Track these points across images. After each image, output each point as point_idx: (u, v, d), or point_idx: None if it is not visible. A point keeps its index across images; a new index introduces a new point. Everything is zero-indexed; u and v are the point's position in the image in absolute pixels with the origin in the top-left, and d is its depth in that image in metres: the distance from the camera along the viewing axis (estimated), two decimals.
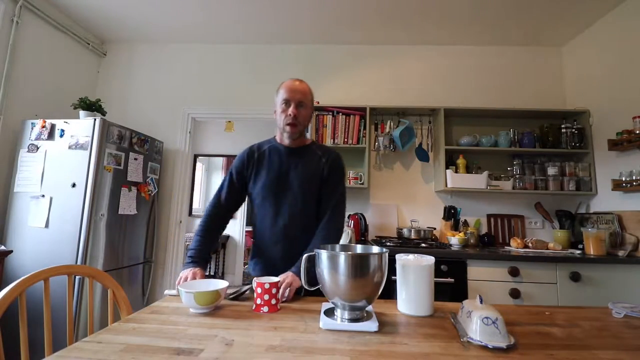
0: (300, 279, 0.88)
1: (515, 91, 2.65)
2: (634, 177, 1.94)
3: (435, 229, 2.41)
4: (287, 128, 1.15)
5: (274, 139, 1.27)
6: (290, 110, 1.13)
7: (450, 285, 1.82)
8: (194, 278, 1.01)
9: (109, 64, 2.87)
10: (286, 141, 1.20)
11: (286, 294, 0.95)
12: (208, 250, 1.15)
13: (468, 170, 2.42)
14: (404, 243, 2.10)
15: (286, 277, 0.99)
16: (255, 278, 0.91)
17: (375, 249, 0.88)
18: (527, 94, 2.63)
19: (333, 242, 1.11)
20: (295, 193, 1.15)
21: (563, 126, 2.38)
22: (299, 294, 1.09)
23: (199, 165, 4.85)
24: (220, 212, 1.22)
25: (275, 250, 1.16)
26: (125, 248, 2.24)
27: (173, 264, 2.64)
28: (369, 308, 0.85)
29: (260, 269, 1.18)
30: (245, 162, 1.22)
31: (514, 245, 2.15)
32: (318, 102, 2.49)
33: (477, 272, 1.85)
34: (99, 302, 2.00)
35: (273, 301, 0.87)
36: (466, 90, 2.67)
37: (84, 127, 2.04)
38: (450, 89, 2.68)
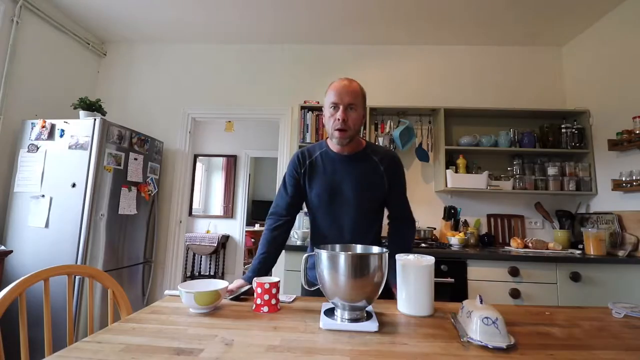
0: (301, 277, 0.88)
1: (515, 91, 2.65)
2: (634, 177, 1.94)
3: (435, 229, 2.41)
4: (336, 134, 1.05)
5: (325, 142, 1.17)
6: (339, 114, 1.03)
7: (450, 285, 1.82)
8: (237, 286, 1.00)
9: (109, 64, 2.87)
10: (337, 147, 1.11)
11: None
12: (269, 267, 1.11)
13: (468, 170, 2.42)
14: None
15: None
16: (255, 278, 0.91)
17: (375, 249, 0.89)
18: (527, 94, 2.64)
19: (410, 233, 1.18)
20: (351, 203, 1.10)
21: (563, 126, 2.38)
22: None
23: (199, 165, 4.85)
24: (281, 223, 1.16)
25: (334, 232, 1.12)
26: (125, 248, 2.24)
27: (173, 264, 2.64)
28: (369, 308, 0.85)
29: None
30: (297, 168, 1.15)
31: (514, 245, 2.15)
32: (318, 102, 2.49)
33: (477, 272, 1.85)
34: (99, 302, 2.00)
35: (273, 301, 0.87)
36: (466, 90, 2.67)
37: (84, 127, 2.04)
38: (450, 89, 2.68)
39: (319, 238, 1.15)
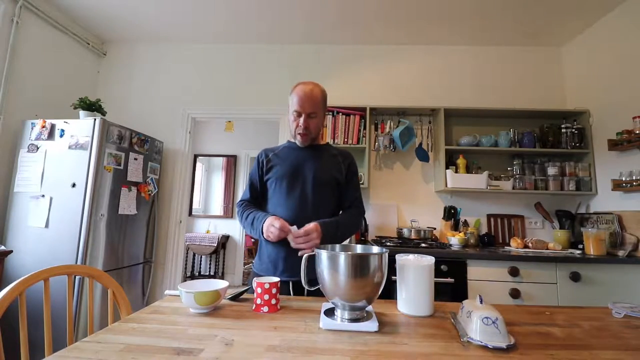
0: (301, 278, 0.88)
1: (515, 91, 2.65)
2: (634, 177, 1.94)
3: (435, 229, 2.41)
4: (299, 137, 1.21)
5: (288, 141, 1.33)
6: (302, 122, 1.17)
7: (450, 285, 1.82)
8: (274, 224, 1.06)
9: (109, 64, 2.87)
10: (299, 145, 1.26)
11: (305, 246, 1.03)
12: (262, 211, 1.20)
13: (468, 170, 2.42)
14: (404, 243, 2.10)
15: (310, 226, 1.06)
16: (255, 278, 0.91)
17: (375, 249, 0.89)
18: (527, 94, 2.64)
19: (355, 220, 1.24)
20: (309, 182, 1.19)
21: (563, 126, 2.38)
22: (301, 293, 1.09)
23: (199, 165, 4.85)
24: (249, 200, 1.29)
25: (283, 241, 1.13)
26: (125, 248, 2.24)
27: (173, 264, 2.64)
28: (369, 308, 0.85)
29: (265, 262, 1.18)
30: (259, 163, 1.27)
31: (514, 245, 2.15)
32: None
33: (477, 272, 1.85)
34: (99, 302, 2.00)
35: (273, 301, 0.87)
36: (466, 90, 2.67)
37: (84, 127, 2.04)
38: (450, 89, 2.68)
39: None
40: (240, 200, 1.29)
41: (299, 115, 1.17)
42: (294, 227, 1.06)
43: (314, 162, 1.22)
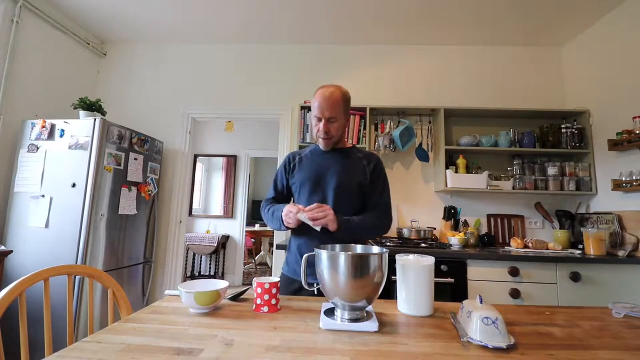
0: (301, 277, 0.87)
1: (515, 91, 2.65)
2: (634, 177, 1.94)
3: (435, 229, 2.41)
4: (320, 141, 1.22)
5: (315, 144, 1.32)
6: (321, 127, 1.17)
7: (450, 285, 1.82)
8: (292, 210, 1.09)
9: (109, 64, 2.87)
10: (322, 149, 1.26)
11: (315, 215, 1.04)
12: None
13: (468, 170, 2.42)
14: (404, 243, 2.10)
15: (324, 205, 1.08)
16: (255, 278, 0.92)
17: (375, 249, 0.89)
18: (527, 94, 2.63)
19: (376, 222, 1.19)
20: (331, 188, 1.19)
21: (563, 126, 2.38)
22: (299, 293, 1.09)
23: (199, 165, 4.85)
24: (274, 199, 1.32)
25: (311, 242, 1.15)
26: (125, 248, 2.24)
27: (173, 264, 2.64)
28: (369, 308, 0.85)
29: (292, 264, 1.21)
30: (286, 166, 1.30)
31: (514, 245, 2.15)
32: None
33: (477, 272, 1.85)
34: (99, 302, 2.00)
35: (273, 301, 0.87)
36: (466, 90, 2.67)
37: (84, 127, 2.04)
38: (451, 89, 2.68)
39: (301, 227, 1.17)
40: (265, 200, 1.32)
41: (319, 120, 1.17)
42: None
43: (337, 167, 1.22)
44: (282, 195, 1.32)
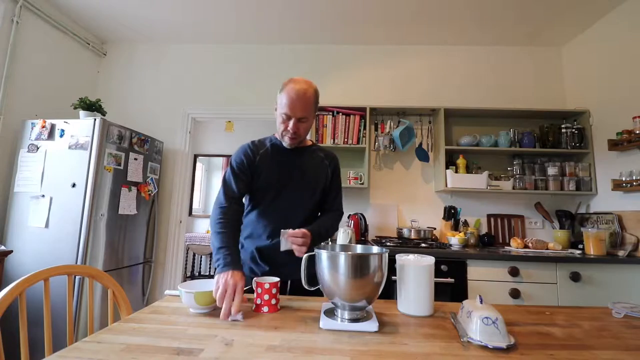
0: (301, 277, 0.87)
1: (515, 91, 2.65)
2: (634, 177, 1.94)
3: (435, 229, 2.41)
4: (287, 139, 1.15)
5: (274, 136, 1.24)
6: (290, 126, 1.10)
7: (450, 285, 1.82)
8: (235, 287, 0.83)
9: (109, 64, 2.87)
10: (286, 146, 1.19)
11: (299, 242, 0.98)
12: (238, 249, 1.03)
13: (468, 170, 2.42)
14: (404, 243, 2.10)
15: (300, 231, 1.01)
16: (255, 278, 0.91)
17: (375, 249, 0.89)
18: (527, 94, 2.64)
19: (336, 224, 1.24)
20: (297, 188, 1.17)
21: (563, 126, 2.38)
22: (301, 294, 1.09)
23: (199, 165, 4.85)
24: (237, 209, 1.12)
25: (272, 246, 1.11)
26: (125, 248, 2.24)
27: (173, 264, 2.64)
28: (369, 308, 0.85)
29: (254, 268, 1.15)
30: (249, 157, 1.16)
31: (514, 245, 2.15)
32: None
33: (477, 272, 1.85)
34: (99, 302, 2.00)
35: (273, 301, 0.87)
36: (466, 90, 2.67)
37: (84, 127, 2.04)
38: (450, 89, 2.68)
39: (260, 226, 1.15)
40: (226, 201, 1.10)
41: (288, 118, 1.09)
42: (288, 230, 1.00)
43: (302, 170, 1.18)
44: (243, 193, 1.15)
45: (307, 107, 1.10)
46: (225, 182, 1.14)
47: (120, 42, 2.88)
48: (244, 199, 1.22)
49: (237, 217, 1.13)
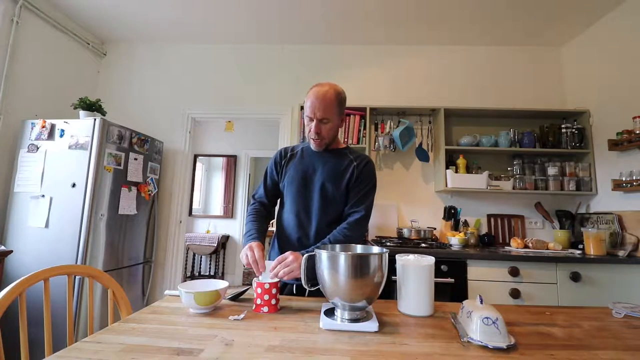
0: (301, 278, 0.88)
1: (515, 91, 2.65)
2: (634, 177, 1.94)
3: (435, 229, 2.41)
4: (312, 142, 1.18)
5: (307, 142, 1.27)
6: (313, 127, 1.13)
7: (450, 285, 1.82)
8: (252, 251, 1.01)
9: (109, 64, 2.87)
10: (314, 149, 1.22)
11: (280, 274, 0.93)
12: (264, 230, 1.18)
13: (468, 170, 2.42)
14: (404, 243, 2.10)
15: (288, 255, 0.97)
16: (255, 278, 0.92)
17: (375, 249, 0.89)
18: (527, 94, 2.63)
19: (353, 238, 1.08)
20: (316, 190, 1.16)
21: (563, 126, 2.38)
22: (301, 294, 1.09)
23: (199, 165, 4.85)
24: (263, 206, 1.27)
25: (291, 244, 1.16)
26: (125, 248, 2.24)
27: (173, 264, 2.64)
28: (369, 308, 0.85)
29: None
30: (277, 162, 1.26)
31: (514, 245, 2.15)
32: None
33: (477, 272, 1.85)
34: (99, 302, 2.00)
35: (273, 301, 0.87)
36: (466, 90, 2.67)
37: (84, 127, 2.04)
38: (450, 89, 2.68)
39: (284, 226, 1.21)
40: (253, 201, 1.28)
41: (311, 120, 1.13)
42: (269, 263, 0.98)
43: (326, 169, 1.18)
44: (272, 193, 1.28)
45: (328, 108, 1.12)
46: (258, 187, 1.31)
47: (120, 42, 2.88)
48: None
49: (261, 213, 1.25)
